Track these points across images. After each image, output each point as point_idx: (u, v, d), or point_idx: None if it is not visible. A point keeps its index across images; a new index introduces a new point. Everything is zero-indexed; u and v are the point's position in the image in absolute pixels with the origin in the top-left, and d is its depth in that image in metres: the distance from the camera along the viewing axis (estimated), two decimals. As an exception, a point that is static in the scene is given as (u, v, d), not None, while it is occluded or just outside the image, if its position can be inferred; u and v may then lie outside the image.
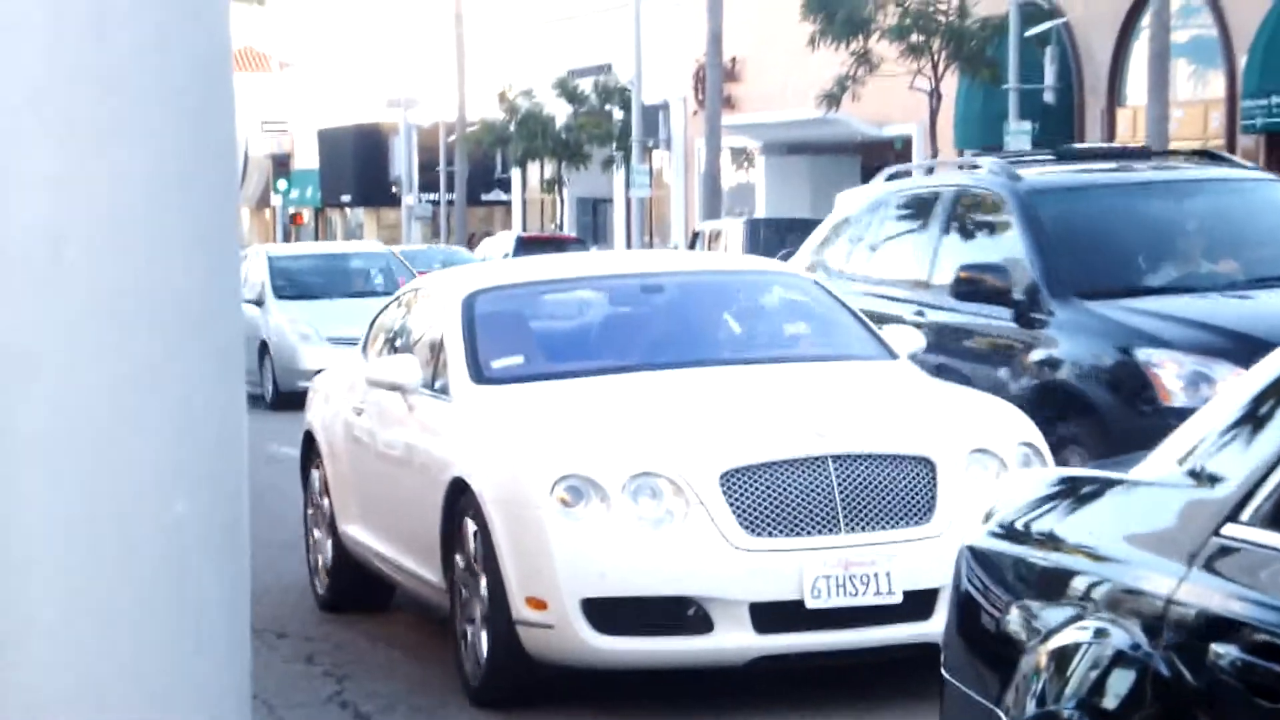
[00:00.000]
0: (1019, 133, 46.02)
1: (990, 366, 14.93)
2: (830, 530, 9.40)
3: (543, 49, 73.19)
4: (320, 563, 13.61)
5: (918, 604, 9.40)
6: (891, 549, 9.38)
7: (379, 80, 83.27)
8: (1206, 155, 18.33)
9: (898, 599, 9.31)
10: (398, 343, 13.15)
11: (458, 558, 10.47)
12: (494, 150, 75.14)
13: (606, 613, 9.34)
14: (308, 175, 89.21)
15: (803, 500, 9.47)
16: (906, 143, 55.50)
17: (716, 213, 52.23)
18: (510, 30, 78.29)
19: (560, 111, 67.22)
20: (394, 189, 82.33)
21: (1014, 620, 6.31)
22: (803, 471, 9.54)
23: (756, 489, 9.53)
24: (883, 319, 14.63)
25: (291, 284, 35.51)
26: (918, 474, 9.72)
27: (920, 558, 9.41)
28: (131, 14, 1.94)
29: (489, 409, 10.94)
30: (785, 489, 9.53)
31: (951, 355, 14.94)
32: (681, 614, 9.33)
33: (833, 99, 51.43)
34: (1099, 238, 14.97)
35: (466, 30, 75.65)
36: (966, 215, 16.58)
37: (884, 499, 9.60)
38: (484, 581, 10.02)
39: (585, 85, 66.54)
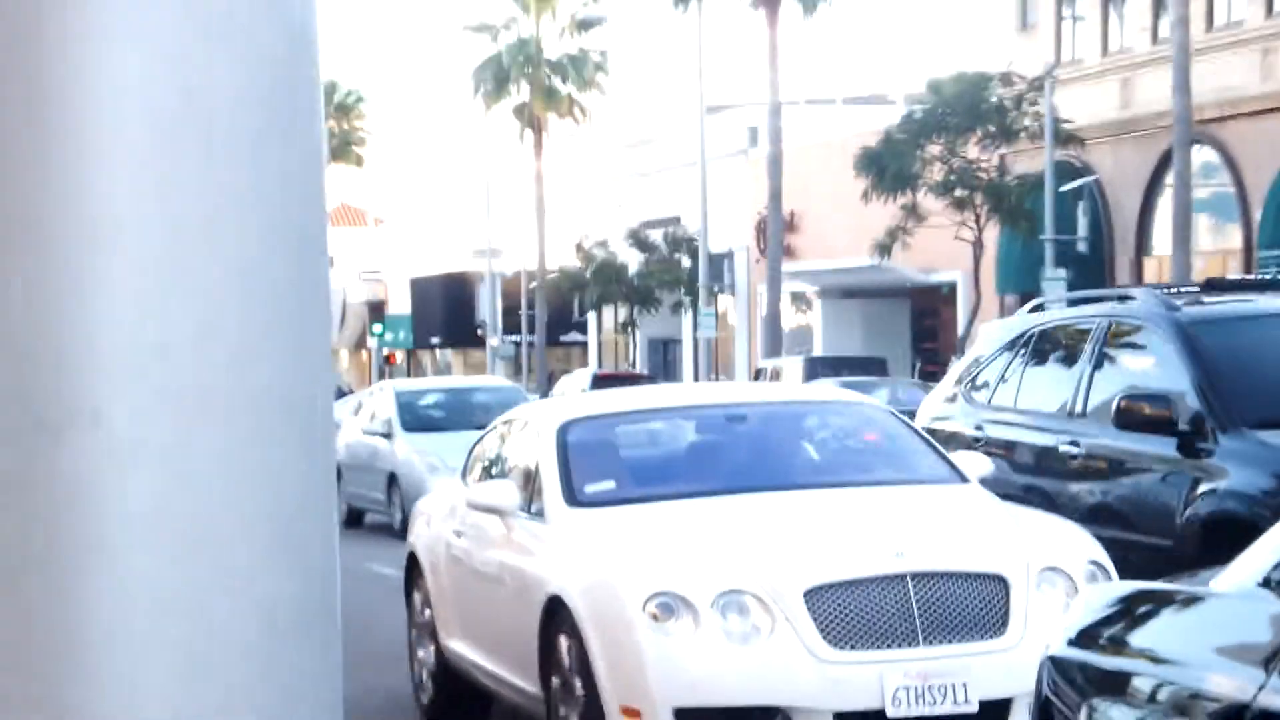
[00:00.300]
0: (1054, 280, 45.88)
1: (1153, 495, 14.33)
2: (909, 644, 9.55)
3: (616, 202, 74.71)
4: (424, 675, 13.71)
5: (993, 713, 9.62)
6: (967, 661, 9.55)
7: (466, 232, 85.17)
8: None
9: (974, 708, 9.46)
10: (495, 469, 13.14)
11: (554, 670, 10.60)
12: (571, 295, 76.17)
13: None
14: (401, 320, 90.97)
15: (883, 615, 9.65)
16: (952, 288, 56.19)
17: (777, 351, 52.95)
18: (586, 185, 79.91)
19: (632, 260, 68.07)
20: (479, 331, 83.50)
21: None
22: (883, 588, 9.67)
23: (839, 604, 9.71)
24: (1031, 449, 15.82)
25: (417, 417, 36.00)
26: (992, 590, 9.86)
27: (995, 669, 9.58)
28: (236, 132, 2.03)
29: (583, 530, 11.02)
30: (866, 604, 9.70)
31: (1107, 483, 14.75)
32: None
33: (884, 248, 52.07)
34: (1263, 367, 14.39)
35: (546, 186, 75.88)
36: (1119, 346, 16.10)
37: (960, 614, 9.78)
38: (580, 692, 10.16)
39: (655, 235, 67.14)
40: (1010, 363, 17.19)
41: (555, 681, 10.53)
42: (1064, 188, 47.46)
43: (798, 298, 61.98)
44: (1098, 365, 15.68)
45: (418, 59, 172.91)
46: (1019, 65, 51.80)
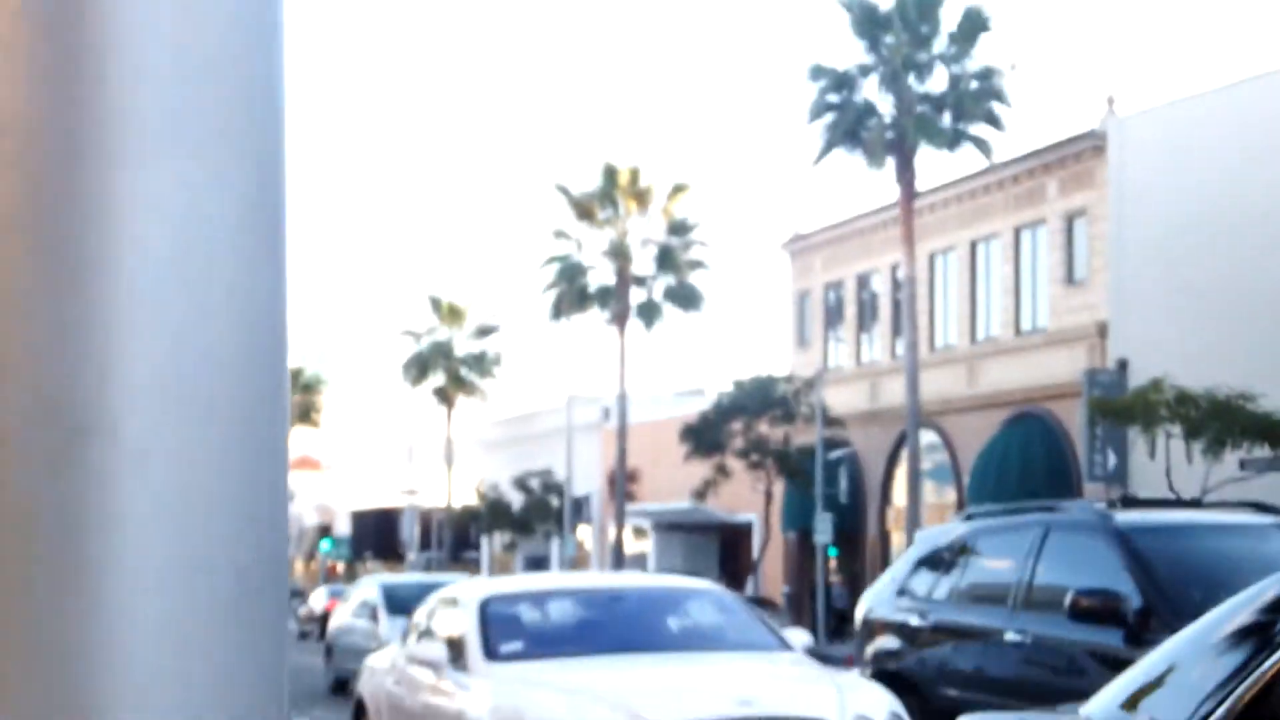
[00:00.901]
0: (824, 520, 47.75)
1: (1100, 680, 10.83)
2: None
3: (505, 457, 75.56)
4: None
5: None
6: None
7: (393, 477, 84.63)
8: (1254, 505, 16.30)
9: None
10: (430, 633, 12.91)
11: None
12: (469, 524, 76.11)
13: None
14: (343, 540, 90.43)
15: None
16: (749, 526, 57.07)
17: (620, 570, 51.34)
18: (483, 444, 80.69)
19: (516, 499, 68.52)
20: (400, 549, 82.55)
21: None
22: (597, 709, 9.77)
23: None
24: (977, 637, 14.65)
25: (399, 602, 34.08)
26: None
27: None
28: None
29: (497, 678, 11.05)
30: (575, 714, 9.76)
31: (1053, 668, 13.53)
32: None
33: (699, 495, 53.86)
34: (1192, 566, 13.30)
35: (454, 446, 77.53)
36: (1057, 547, 14.68)
37: None
38: None
39: (533, 483, 67.76)
40: (951, 561, 16.10)
41: None
42: (830, 456, 49.20)
43: (637, 530, 62.80)
44: (1037, 563, 14.54)
45: (362, 350, 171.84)
46: (798, 370, 54.69)
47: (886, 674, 14.84)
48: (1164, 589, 12.71)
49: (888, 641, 16.08)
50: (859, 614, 17.74)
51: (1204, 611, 9.30)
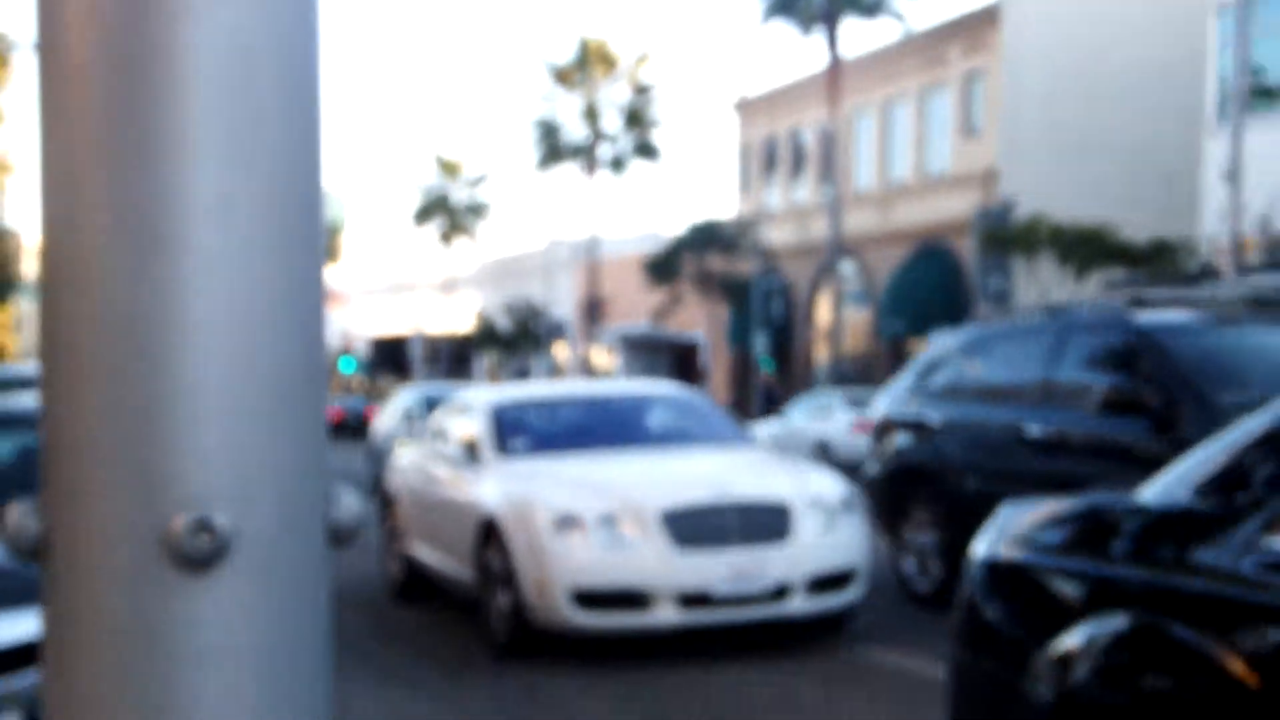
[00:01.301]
0: (760, 338, 48.45)
1: (1131, 471, 9.49)
2: (727, 547, 9.39)
3: (496, 290, 74.73)
4: (394, 568, 13.26)
5: (779, 592, 9.41)
6: (763, 558, 9.35)
7: (404, 309, 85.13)
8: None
9: (769, 588, 9.33)
10: (447, 434, 12.57)
11: (487, 562, 10.31)
12: (466, 347, 76.10)
13: (587, 598, 9.24)
14: (361, 362, 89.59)
15: (711, 529, 9.48)
16: (698, 343, 57.47)
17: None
18: (478, 279, 79.78)
19: (504, 324, 68.16)
20: (408, 368, 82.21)
21: (1032, 613, 5.88)
22: (711, 512, 9.54)
23: (684, 520, 9.50)
24: (995, 431, 13.35)
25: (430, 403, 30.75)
26: (779, 513, 9.69)
27: (781, 564, 9.39)
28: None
29: (507, 471, 10.81)
30: (701, 522, 9.52)
31: (1074, 459, 12.25)
32: (633, 598, 9.26)
33: (657, 318, 54.60)
34: (1218, 360, 12.09)
35: (460, 267, 78.78)
36: (1078, 345, 13.33)
37: (760, 528, 9.58)
38: (504, 579, 9.81)
39: (519, 309, 66.79)
40: (967, 364, 14.75)
41: (487, 571, 10.34)
42: (766, 284, 49.50)
43: (608, 352, 62.98)
44: (1057, 361, 13.29)
45: (376, 199, 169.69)
46: (741, 212, 55.02)
47: (908, 470, 14.33)
48: (1188, 382, 11.62)
49: (906, 439, 14.86)
50: (875, 415, 16.32)
51: (1225, 403, 9.90)
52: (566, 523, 9.41)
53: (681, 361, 58.80)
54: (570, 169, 59.78)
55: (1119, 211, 36.99)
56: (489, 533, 10.11)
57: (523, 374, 69.02)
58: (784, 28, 46.03)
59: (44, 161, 1.68)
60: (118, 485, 1.63)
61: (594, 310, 59.68)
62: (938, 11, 42.24)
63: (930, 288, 44.27)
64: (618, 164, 58.70)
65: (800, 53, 45.74)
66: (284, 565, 1.70)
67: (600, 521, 9.38)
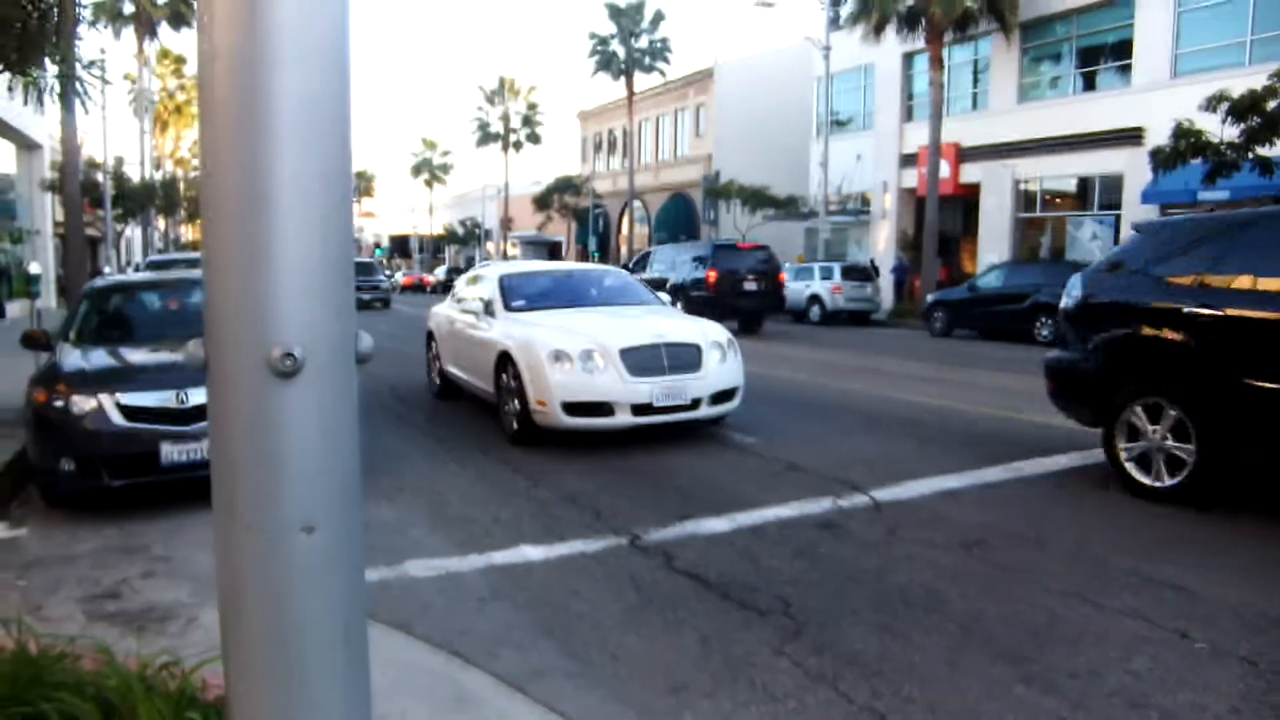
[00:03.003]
0: (592, 240, 47.10)
1: None
2: (662, 375, 8.09)
3: (456, 212, 72.17)
4: (435, 379, 11.26)
5: (693, 406, 8.08)
6: (685, 383, 8.08)
7: (409, 220, 79.63)
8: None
9: (688, 402, 8.06)
10: (470, 295, 10.44)
11: (502, 381, 8.67)
12: (441, 243, 73.43)
13: (572, 408, 7.90)
14: (386, 249, 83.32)
15: (652, 362, 8.11)
16: (561, 243, 55.65)
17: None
18: (446, 205, 75.54)
19: (459, 230, 67.01)
20: (410, 254, 77.49)
21: None
22: (651, 351, 8.12)
23: (634, 357, 8.05)
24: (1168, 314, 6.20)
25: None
26: (694, 351, 8.31)
27: (694, 386, 8.10)
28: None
29: (514, 320, 9.03)
30: (645, 358, 8.09)
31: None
32: (602, 408, 7.91)
33: (540, 228, 53.45)
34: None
35: (438, 212, 74.48)
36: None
37: (683, 362, 8.20)
38: (515, 393, 8.30)
39: (468, 222, 66.63)
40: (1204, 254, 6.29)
41: (502, 388, 8.72)
42: (595, 211, 48.14)
43: (512, 245, 60.29)
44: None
45: (393, 158, 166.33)
46: (583, 172, 53.04)
47: (1151, 358, 6.36)
48: None
49: (1140, 328, 6.85)
50: (1071, 300, 7.93)
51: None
52: (559, 357, 7.99)
53: (551, 253, 57.25)
54: (494, 148, 57.89)
55: (773, 179, 37.65)
56: (504, 361, 8.61)
57: (470, 260, 65.68)
58: (604, 77, 45.35)
59: (201, 136, 1.55)
60: (241, 330, 1.54)
61: (506, 225, 58.32)
62: (682, 69, 40.54)
63: (678, 217, 43.62)
64: (518, 145, 57.07)
65: (613, 88, 45.94)
66: (332, 377, 1.57)
67: (581, 356, 7.98)
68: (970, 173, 28.93)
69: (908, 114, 31.85)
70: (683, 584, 4.55)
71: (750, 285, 21.76)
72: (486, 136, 57.89)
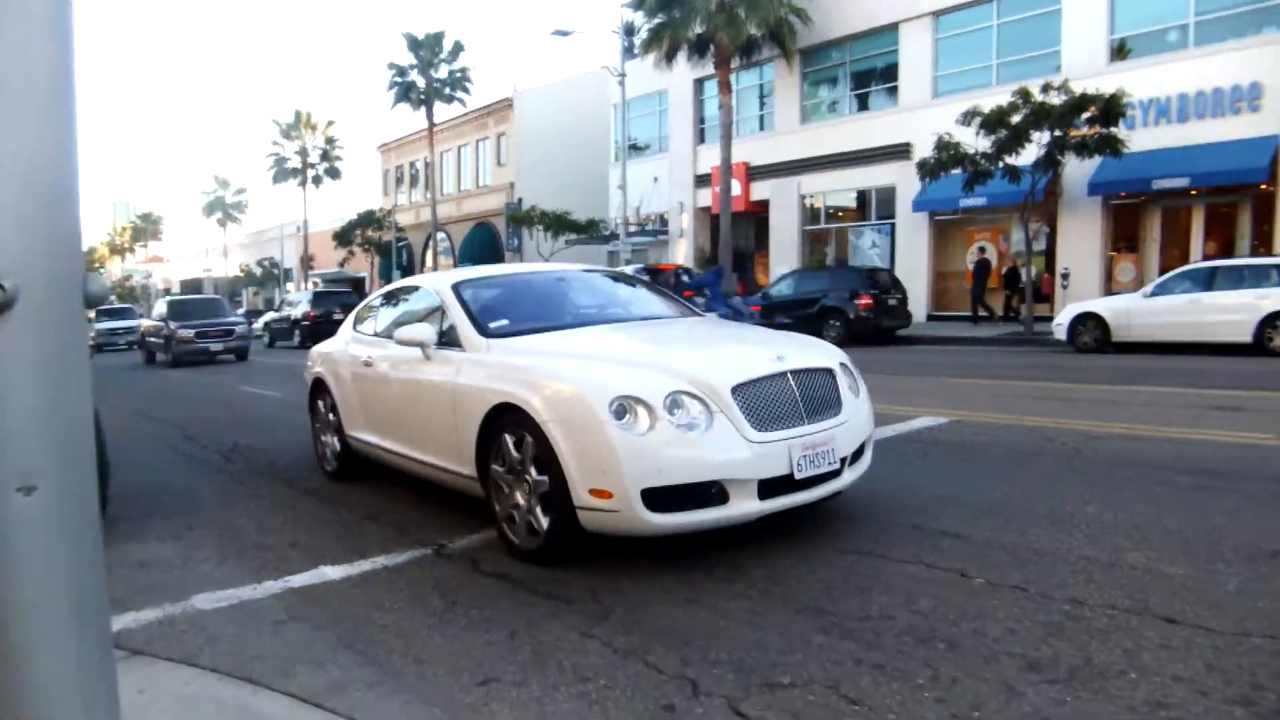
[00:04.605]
0: (396, 275, 44.67)
1: None
2: (800, 423, 4.73)
3: (252, 251, 67.89)
4: (328, 453, 7.30)
5: (839, 470, 4.86)
6: (832, 432, 4.84)
7: (198, 263, 76.09)
8: None
9: (838, 465, 4.81)
10: (395, 320, 6.64)
11: (495, 459, 4.96)
12: (239, 286, 69.42)
13: (661, 497, 4.35)
14: (176, 294, 78.17)
15: (782, 403, 4.73)
16: (364, 278, 52.79)
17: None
18: (242, 244, 72.24)
19: (258, 270, 63.79)
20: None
21: None
22: (777, 384, 4.74)
23: (754, 396, 4.52)
24: None
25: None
26: (829, 381, 5.13)
27: (843, 437, 4.91)
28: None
29: (504, 353, 5.29)
30: (770, 397, 4.66)
31: None
32: (708, 493, 4.44)
33: (340, 265, 51.65)
34: None
35: (228, 247, 72.63)
36: None
37: (820, 400, 4.93)
38: (532, 478, 4.67)
39: (265, 263, 63.08)
40: None
41: (498, 468, 4.92)
42: (399, 244, 47.14)
43: (314, 282, 55.90)
44: None
45: (183, 198, 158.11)
46: (384, 205, 52.45)
47: None
48: None
49: None
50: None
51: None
52: (626, 409, 4.44)
53: (356, 289, 56.91)
54: (292, 184, 56.07)
55: (574, 204, 38.43)
56: (499, 422, 4.92)
57: (269, 302, 63.69)
58: (404, 108, 44.98)
59: None
60: None
61: (307, 262, 56.44)
62: (482, 98, 41.03)
63: (482, 246, 43.66)
64: (317, 180, 55.42)
65: (414, 119, 45.82)
66: (53, 314, 1.44)
67: (668, 403, 4.49)
68: (760, 190, 30.33)
69: (700, 136, 33.13)
70: (490, 584, 4.42)
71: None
72: (283, 172, 56.06)
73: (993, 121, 19.59)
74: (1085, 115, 18.17)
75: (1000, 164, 20.01)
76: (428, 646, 3.69)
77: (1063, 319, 16.86)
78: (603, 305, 6.46)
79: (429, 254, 48.09)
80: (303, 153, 55.80)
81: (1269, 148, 18.73)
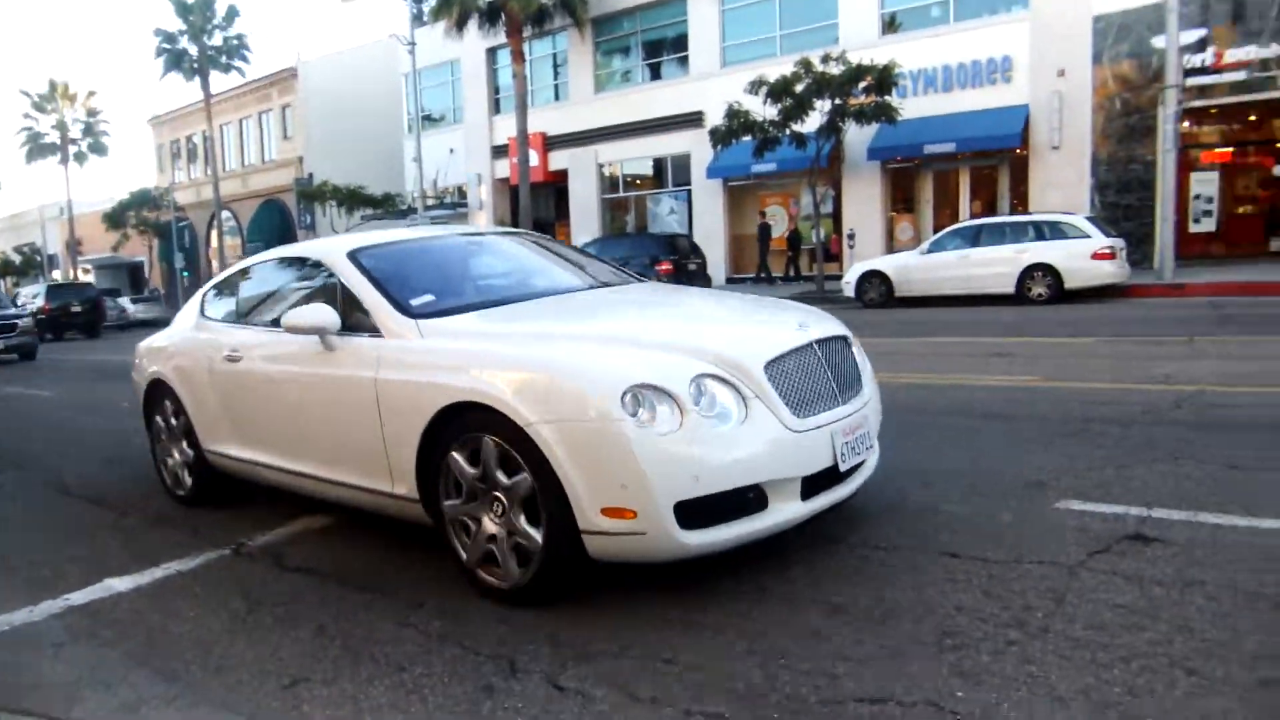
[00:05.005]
0: (179, 257, 43.51)
1: None
2: (836, 404, 3.84)
3: (10, 236, 64.74)
4: (180, 473, 5.69)
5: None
6: (865, 411, 4.04)
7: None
8: None
9: (875, 448, 4.19)
10: (268, 303, 5.13)
11: (444, 475, 3.76)
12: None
13: (696, 511, 3.33)
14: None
15: (817, 381, 3.75)
16: (143, 263, 51.15)
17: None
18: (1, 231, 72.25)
19: (16, 258, 59.52)
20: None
21: None
22: (806, 358, 3.73)
23: (787, 374, 3.59)
24: None
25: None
26: (848, 351, 4.20)
27: (872, 417, 4.17)
28: None
29: (444, 337, 3.91)
30: (803, 373, 3.64)
31: None
32: (747, 498, 3.47)
33: (115, 249, 48.08)
34: None
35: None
36: None
37: (846, 375, 4.01)
38: (510, 495, 3.54)
39: (25, 249, 58.56)
40: None
41: (445, 485, 3.75)
42: (179, 225, 44.73)
43: (84, 269, 53.80)
44: None
45: None
46: (160, 183, 48.39)
47: None
48: None
49: None
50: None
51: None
52: (641, 399, 3.29)
53: (132, 275, 53.03)
54: (51, 161, 51.48)
55: (368, 178, 37.38)
56: (447, 428, 3.67)
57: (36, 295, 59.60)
58: (176, 78, 42.16)
59: None
60: None
61: (74, 247, 52.26)
62: (264, 67, 39.08)
63: (272, 224, 41.88)
64: (80, 157, 51.17)
65: (189, 90, 42.58)
66: None
67: (693, 390, 3.37)
68: (558, 160, 30.45)
69: (495, 107, 32.88)
70: (296, 580, 4.22)
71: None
72: (39, 148, 51.48)
73: (778, 90, 20.46)
74: (862, 85, 19.20)
75: (787, 131, 20.96)
76: (230, 653, 3.51)
77: (850, 277, 17.70)
78: (543, 272, 5.01)
79: (213, 234, 45.41)
80: (61, 126, 51.28)
81: (1020, 116, 20.29)
